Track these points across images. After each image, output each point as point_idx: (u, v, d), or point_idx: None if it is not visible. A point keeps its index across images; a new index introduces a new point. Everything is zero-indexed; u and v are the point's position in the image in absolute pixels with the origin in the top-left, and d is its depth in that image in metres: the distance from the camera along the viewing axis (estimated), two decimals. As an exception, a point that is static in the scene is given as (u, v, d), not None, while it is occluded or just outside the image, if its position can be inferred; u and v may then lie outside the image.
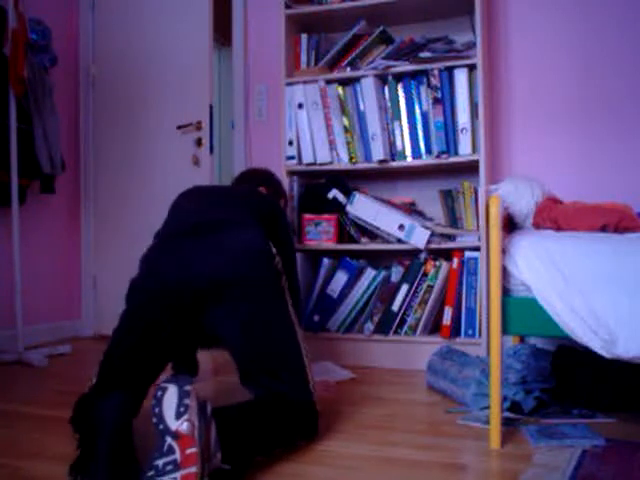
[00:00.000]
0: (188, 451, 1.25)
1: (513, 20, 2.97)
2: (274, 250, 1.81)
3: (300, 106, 2.92)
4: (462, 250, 2.65)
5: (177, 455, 1.24)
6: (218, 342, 2.11)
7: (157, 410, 1.29)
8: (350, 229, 2.84)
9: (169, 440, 1.26)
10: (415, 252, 2.75)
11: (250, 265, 1.72)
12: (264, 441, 1.51)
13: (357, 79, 2.85)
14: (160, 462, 1.24)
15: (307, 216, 2.89)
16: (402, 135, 2.80)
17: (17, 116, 2.98)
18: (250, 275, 1.70)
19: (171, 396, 1.30)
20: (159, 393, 1.31)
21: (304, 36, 3.02)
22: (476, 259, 2.60)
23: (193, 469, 1.23)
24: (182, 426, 1.27)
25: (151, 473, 1.23)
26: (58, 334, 3.54)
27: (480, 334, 2.58)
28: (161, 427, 1.27)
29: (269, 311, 1.71)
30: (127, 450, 1.37)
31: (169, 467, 1.23)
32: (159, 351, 1.71)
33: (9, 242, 3.05)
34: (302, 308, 2.27)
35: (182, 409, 1.28)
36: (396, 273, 2.78)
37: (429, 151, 2.75)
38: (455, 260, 2.64)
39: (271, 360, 1.67)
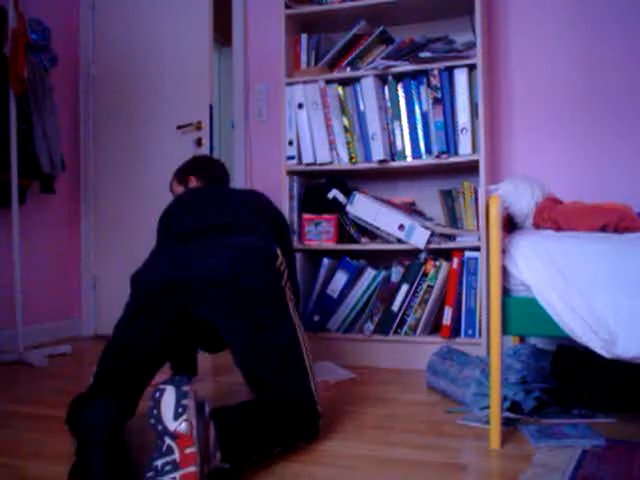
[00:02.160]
0: (187, 451, 1.25)
1: (513, 20, 2.96)
2: (278, 251, 1.80)
3: (300, 106, 2.92)
4: (462, 250, 2.65)
5: (176, 455, 1.24)
6: (222, 347, 2.12)
7: (155, 412, 1.29)
8: (350, 229, 2.84)
9: (168, 440, 1.26)
10: (415, 252, 2.75)
11: (250, 264, 1.71)
12: (263, 441, 1.51)
13: (357, 79, 2.85)
14: (159, 462, 1.24)
15: (307, 216, 2.88)
16: (402, 135, 2.80)
17: (17, 116, 2.98)
18: (250, 273, 1.69)
19: (169, 397, 1.29)
20: (157, 395, 1.30)
21: (304, 36, 3.02)
22: (476, 259, 2.60)
23: (192, 468, 1.24)
24: (181, 426, 1.26)
25: (150, 474, 1.23)
26: (58, 334, 3.54)
27: (480, 334, 2.58)
28: (160, 428, 1.27)
29: (270, 311, 1.70)
30: (121, 456, 1.36)
31: (168, 467, 1.23)
32: (154, 352, 1.70)
33: (9, 242, 3.05)
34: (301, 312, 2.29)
35: (180, 410, 1.28)
36: (396, 273, 2.78)
37: (429, 151, 2.75)
38: (455, 260, 2.64)
39: (272, 363, 1.65)
